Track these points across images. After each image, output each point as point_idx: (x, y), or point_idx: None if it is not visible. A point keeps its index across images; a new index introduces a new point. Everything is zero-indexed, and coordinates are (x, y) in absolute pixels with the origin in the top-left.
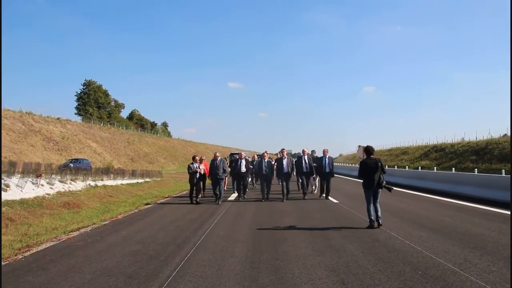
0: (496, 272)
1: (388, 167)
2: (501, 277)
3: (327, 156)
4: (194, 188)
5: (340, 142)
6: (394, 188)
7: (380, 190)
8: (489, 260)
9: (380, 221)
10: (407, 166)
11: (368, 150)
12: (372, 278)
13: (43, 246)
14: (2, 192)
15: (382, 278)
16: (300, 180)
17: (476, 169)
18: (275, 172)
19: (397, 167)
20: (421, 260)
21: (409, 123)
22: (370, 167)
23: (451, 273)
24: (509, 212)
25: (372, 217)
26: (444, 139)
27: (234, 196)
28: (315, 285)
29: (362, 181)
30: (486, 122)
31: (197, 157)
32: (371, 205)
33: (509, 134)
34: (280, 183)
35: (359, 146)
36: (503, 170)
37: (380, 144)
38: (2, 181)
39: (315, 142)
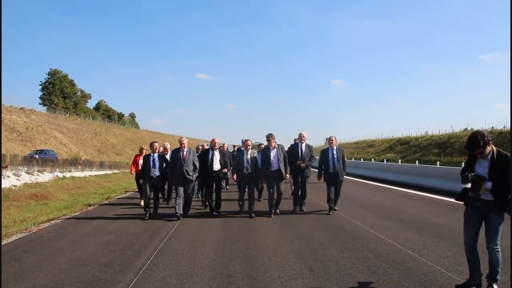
0: (451, 257)
1: (354, 159)
2: (455, 261)
3: (334, 148)
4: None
5: (308, 135)
6: (362, 180)
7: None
8: (445, 247)
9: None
10: (373, 159)
11: (477, 142)
12: (338, 264)
13: (13, 238)
14: None
15: (347, 265)
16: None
17: (438, 162)
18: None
19: (363, 160)
20: (384, 247)
21: (375, 116)
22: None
23: (410, 258)
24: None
25: (476, 266)
26: (408, 132)
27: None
28: (285, 271)
29: (462, 190)
30: (448, 116)
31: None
32: (476, 242)
33: (469, 128)
34: (267, 188)
35: (326, 139)
36: (463, 163)
37: (347, 137)
38: None
39: (283, 134)
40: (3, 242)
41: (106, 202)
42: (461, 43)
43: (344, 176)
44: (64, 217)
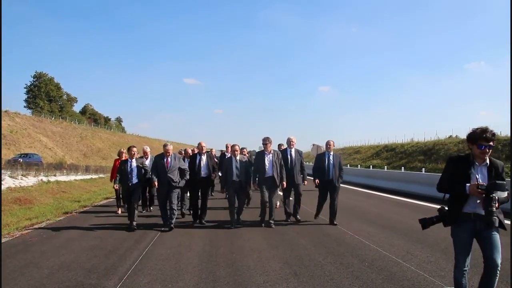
0: (434, 262)
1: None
2: (438, 266)
3: (331, 153)
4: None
5: (296, 141)
6: (348, 186)
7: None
8: (428, 252)
9: None
10: (359, 165)
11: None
12: (323, 269)
13: None
14: None
15: (332, 270)
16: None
17: (423, 169)
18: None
19: (350, 166)
20: (368, 253)
21: (362, 123)
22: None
23: (394, 264)
24: None
25: None
26: (395, 139)
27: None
28: (270, 276)
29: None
30: (434, 124)
31: (134, 149)
32: (466, 268)
33: (454, 135)
34: (261, 194)
35: (313, 145)
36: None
37: (334, 143)
38: None
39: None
40: None
41: (91, 207)
42: (446, 52)
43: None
44: (48, 221)
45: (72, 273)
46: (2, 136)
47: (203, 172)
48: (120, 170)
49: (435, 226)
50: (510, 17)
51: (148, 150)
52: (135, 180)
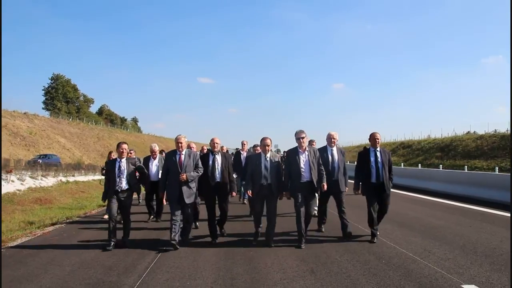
0: (452, 260)
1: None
2: (456, 263)
3: (378, 149)
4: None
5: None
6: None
7: None
8: (446, 249)
9: None
10: None
11: None
12: (340, 267)
13: (18, 241)
14: None
15: (348, 267)
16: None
17: (441, 165)
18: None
19: None
20: (385, 250)
21: (377, 120)
22: None
23: (411, 261)
24: (468, 206)
25: None
26: (411, 136)
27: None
28: (286, 273)
29: None
30: (451, 120)
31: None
32: None
33: (472, 131)
34: (294, 203)
35: None
36: (466, 166)
37: (349, 140)
38: None
39: (285, 139)
40: (9, 245)
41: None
42: (463, 46)
43: (349, 181)
44: (68, 220)
45: (93, 270)
46: (21, 137)
47: (218, 176)
48: (107, 172)
49: (452, 223)
50: (510, 20)
51: (156, 148)
52: (125, 185)
